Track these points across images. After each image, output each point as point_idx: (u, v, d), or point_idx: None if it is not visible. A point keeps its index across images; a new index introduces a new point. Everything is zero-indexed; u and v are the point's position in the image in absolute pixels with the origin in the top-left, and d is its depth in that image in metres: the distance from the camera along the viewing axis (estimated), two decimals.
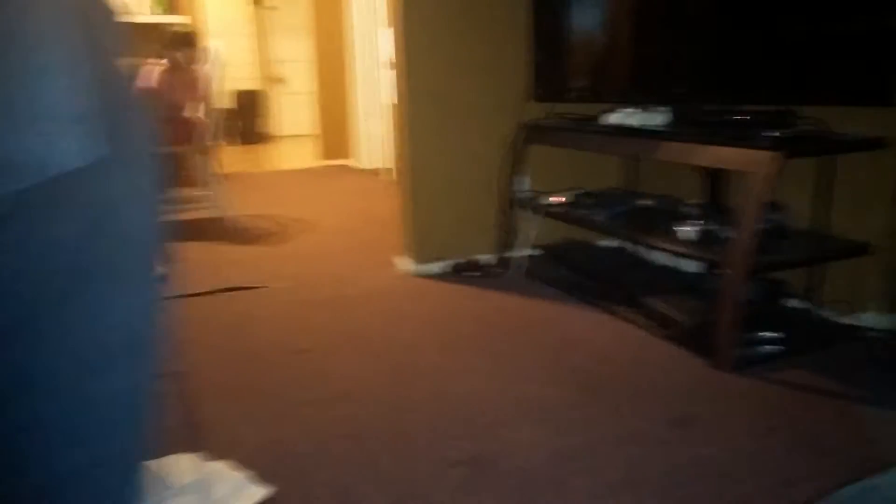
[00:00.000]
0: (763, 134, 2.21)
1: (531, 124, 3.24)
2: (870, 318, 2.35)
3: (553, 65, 3.22)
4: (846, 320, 2.41)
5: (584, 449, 1.74)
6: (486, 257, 3.34)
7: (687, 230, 2.39)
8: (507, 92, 3.26)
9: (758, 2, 2.39)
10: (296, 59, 8.68)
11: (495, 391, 2.07)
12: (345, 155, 6.96)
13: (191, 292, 3.02)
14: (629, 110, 2.82)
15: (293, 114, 8.99)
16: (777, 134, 2.17)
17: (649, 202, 2.94)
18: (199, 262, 3.56)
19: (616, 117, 2.84)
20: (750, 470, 1.62)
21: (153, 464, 1.69)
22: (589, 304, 2.75)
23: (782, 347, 2.22)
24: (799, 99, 2.29)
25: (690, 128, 2.51)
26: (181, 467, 1.68)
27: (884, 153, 2.24)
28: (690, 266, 2.96)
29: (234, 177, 6.46)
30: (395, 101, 3.30)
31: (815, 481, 1.57)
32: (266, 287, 3.10)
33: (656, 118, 2.70)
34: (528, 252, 3.29)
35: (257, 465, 1.69)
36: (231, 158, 8.03)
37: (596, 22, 3.14)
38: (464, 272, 3.25)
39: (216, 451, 1.75)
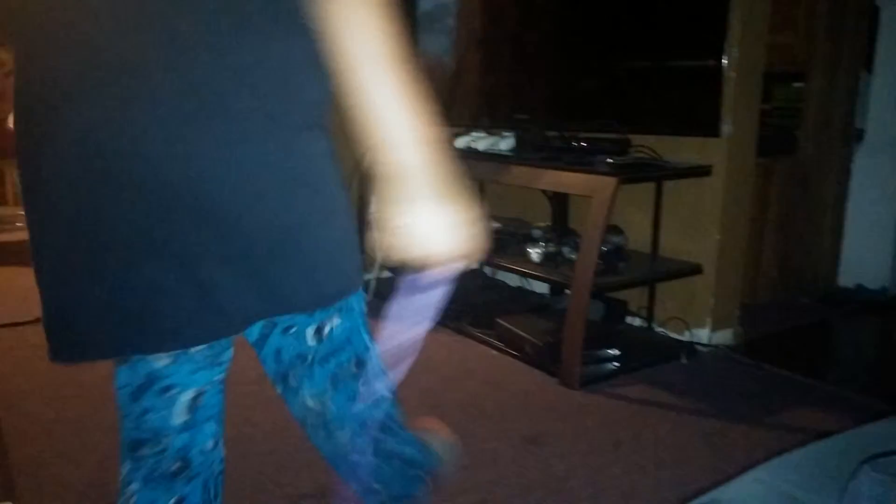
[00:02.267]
0: (600, 160, 2.33)
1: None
2: (701, 335, 2.53)
3: None
4: (681, 336, 2.57)
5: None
6: None
7: (535, 252, 2.46)
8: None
9: (595, 38, 2.53)
10: None
11: None
12: None
13: (9, 321, 2.71)
14: (476, 134, 2.88)
15: None
16: (611, 160, 2.30)
17: (499, 225, 3.00)
18: (21, 289, 3.21)
19: (463, 141, 2.89)
20: (597, 485, 1.67)
21: None
22: (442, 325, 2.75)
23: (623, 364, 2.33)
24: (634, 128, 2.44)
25: (534, 153, 2.60)
26: None
27: (711, 180, 2.43)
28: (540, 287, 3.05)
29: None
30: None
31: (658, 493, 1.64)
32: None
33: (502, 143, 2.78)
34: (379, 274, 3.25)
35: None
36: None
37: (444, 48, 3.19)
38: None
39: (35, 497, 1.56)
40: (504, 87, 2.95)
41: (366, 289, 3.12)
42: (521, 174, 2.52)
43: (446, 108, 3.20)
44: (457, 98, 3.14)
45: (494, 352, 2.49)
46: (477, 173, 2.96)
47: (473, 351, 2.51)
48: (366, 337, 1.05)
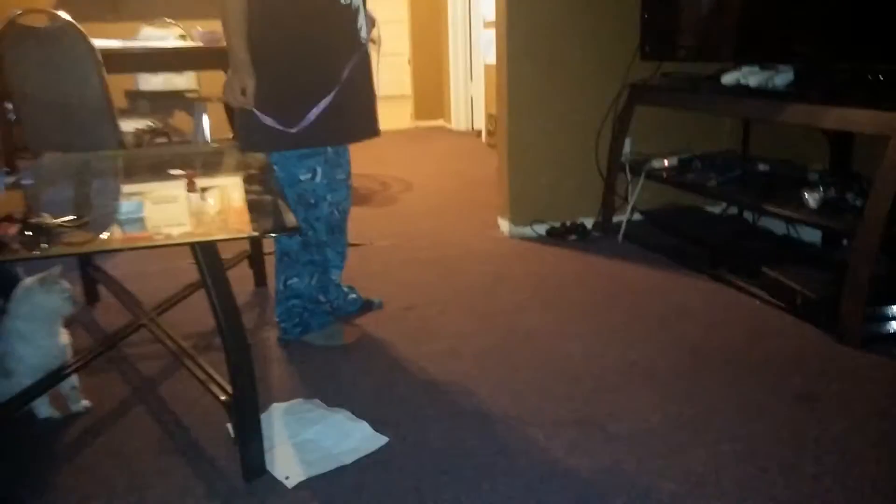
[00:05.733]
0: None
1: (638, 84, 3.12)
2: None
3: (663, 21, 3.07)
4: None
5: (700, 418, 1.69)
6: (586, 221, 3.27)
7: (812, 197, 2.26)
8: (611, 51, 3.15)
9: None
10: (389, 20, 8.66)
11: (601, 355, 2.03)
12: (440, 116, 6.94)
13: None
14: (747, 69, 2.66)
15: (387, 75, 9.00)
16: None
17: (766, 167, 2.80)
18: None
19: (733, 76, 2.69)
20: (880, 451, 1.54)
21: (277, 407, 1.76)
22: (698, 272, 2.65)
23: None
24: None
25: (816, 88, 2.35)
26: (305, 413, 1.73)
27: None
28: (811, 235, 2.81)
29: None
30: (494, 62, 3.24)
31: None
32: (370, 244, 3.14)
33: (777, 78, 2.55)
34: (630, 217, 3.20)
35: (374, 414, 1.72)
36: None
37: None
38: (563, 235, 3.20)
39: (334, 400, 1.80)
40: (778, 15, 2.67)
41: (617, 230, 3.11)
42: (799, 112, 2.30)
43: (711, 41, 2.99)
44: (723, 29, 2.92)
45: (758, 302, 2.35)
46: (748, 112, 2.76)
47: (733, 300, 2.40)
48: None
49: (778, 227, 2.97)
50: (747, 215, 3.17)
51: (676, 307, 2.36)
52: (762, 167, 2.79)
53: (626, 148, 3.23)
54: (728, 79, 2.70)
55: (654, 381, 1.88)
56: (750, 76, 2.61)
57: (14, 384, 1.63)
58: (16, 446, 1.65)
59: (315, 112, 1.89)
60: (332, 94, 1.90)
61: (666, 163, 3.04)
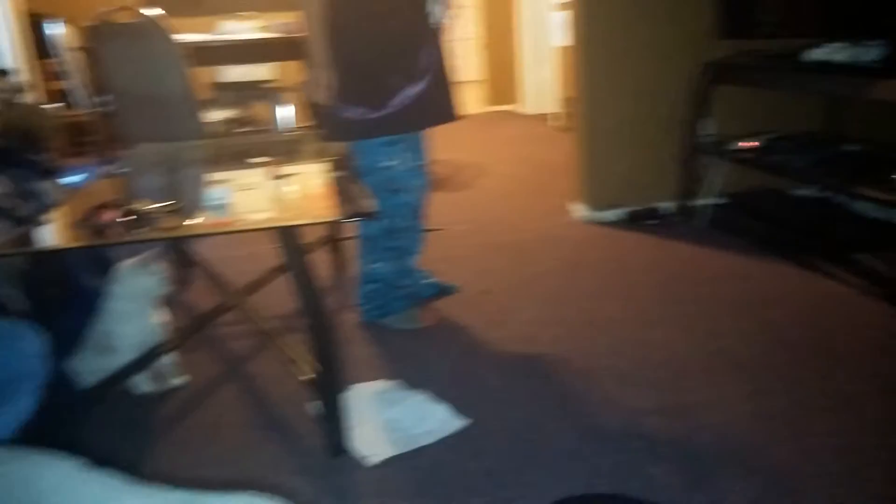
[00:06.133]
0: None
1: (718, 63, 3.01)
2: None
3: None
4: None
5: (790, 410, 1.64)
6: (664, 205, 3.20)
7: None
8: (688, 30, 3.05)
9: None
10: (462, 5, 8.64)
11: (683, 343, 1.99)
12: (510, 100, 6.89)
13: None
14: (836, 45, 2.54)
15: (461, 60, 8.99)
16: None
17: (856, 147, 2.66)
18: None
19: (821, 53, 2.57)
20: None
21: (358, 388, 1.80)
22: (785, 258, 2.56)
23: None
24: None
25: None
26: (386, 394, 1.77)
27: None
28: None
29: None
30: (569, 44, 3.19)
31: None
32: (443, 229, 3.16)
33: (869, 53, 2.42)
34: (712, 200, 3.10)
35: (452, 396, 1.75)
36: None
37: None
38: (641, 220, 3.14)
39: (413, 382, 1.83)
40: None
41: (697, 215, 3.03)
42: (891, 89, 2.18)
43: (794, 17, 2.86)
44: (807, 4, 2.79)
45: (850, 290, 2.25)
46: (838, 89, 2.63)
47: (823, 287, 2.30)
48: None
49: (870, 211, 2.83)
50: (836, 198, 3.03)
51: (762, 295, 2.28)
52: (852, 147, 2.66)
53: (709, 129, 3.13)
54: (814, 55, 2.58)
55: (740, 370, 1.83)
56: (840, 52, 2.49)
57: (116, 360, 1.72)
58: (116, 419, 1.76)
59: (397, 99, 1.91)
60: (413, 81, 1.93)
61: (752, 144, 2.93)
